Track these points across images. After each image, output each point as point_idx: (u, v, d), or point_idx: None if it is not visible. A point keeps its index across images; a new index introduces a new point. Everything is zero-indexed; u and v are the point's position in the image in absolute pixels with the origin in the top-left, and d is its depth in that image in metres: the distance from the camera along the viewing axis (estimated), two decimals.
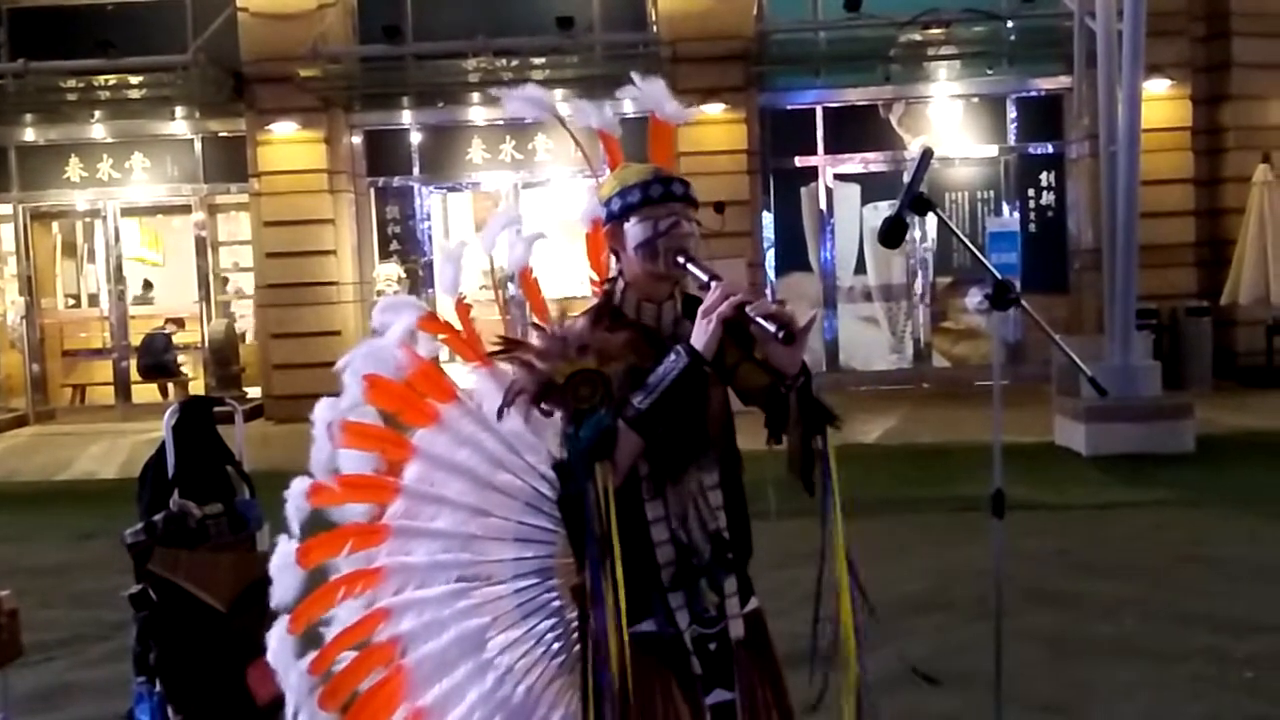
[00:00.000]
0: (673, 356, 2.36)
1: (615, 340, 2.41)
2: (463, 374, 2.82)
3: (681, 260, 2.44)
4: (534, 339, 2.48)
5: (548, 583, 2.74)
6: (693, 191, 2.53)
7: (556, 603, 2.74)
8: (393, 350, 2.69)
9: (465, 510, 2.72)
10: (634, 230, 2.48)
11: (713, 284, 2.39)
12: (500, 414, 2.54)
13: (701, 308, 2.38)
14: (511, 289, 3.20)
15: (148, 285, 16.85)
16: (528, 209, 14.40)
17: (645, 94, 2.91)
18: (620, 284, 2.55)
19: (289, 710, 2.62)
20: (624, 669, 2.35)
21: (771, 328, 2.32)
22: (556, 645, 2.71)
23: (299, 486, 2.60)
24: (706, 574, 2.46)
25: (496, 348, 2.55)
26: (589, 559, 2.40)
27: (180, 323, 15.71)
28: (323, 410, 2.64)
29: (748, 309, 2.33)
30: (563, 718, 2.68)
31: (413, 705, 2.65)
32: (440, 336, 2.78)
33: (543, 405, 2.43)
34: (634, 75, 2.93)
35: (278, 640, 2.61)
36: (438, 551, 2.71)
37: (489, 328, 2.77)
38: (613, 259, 2.61)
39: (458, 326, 2.83)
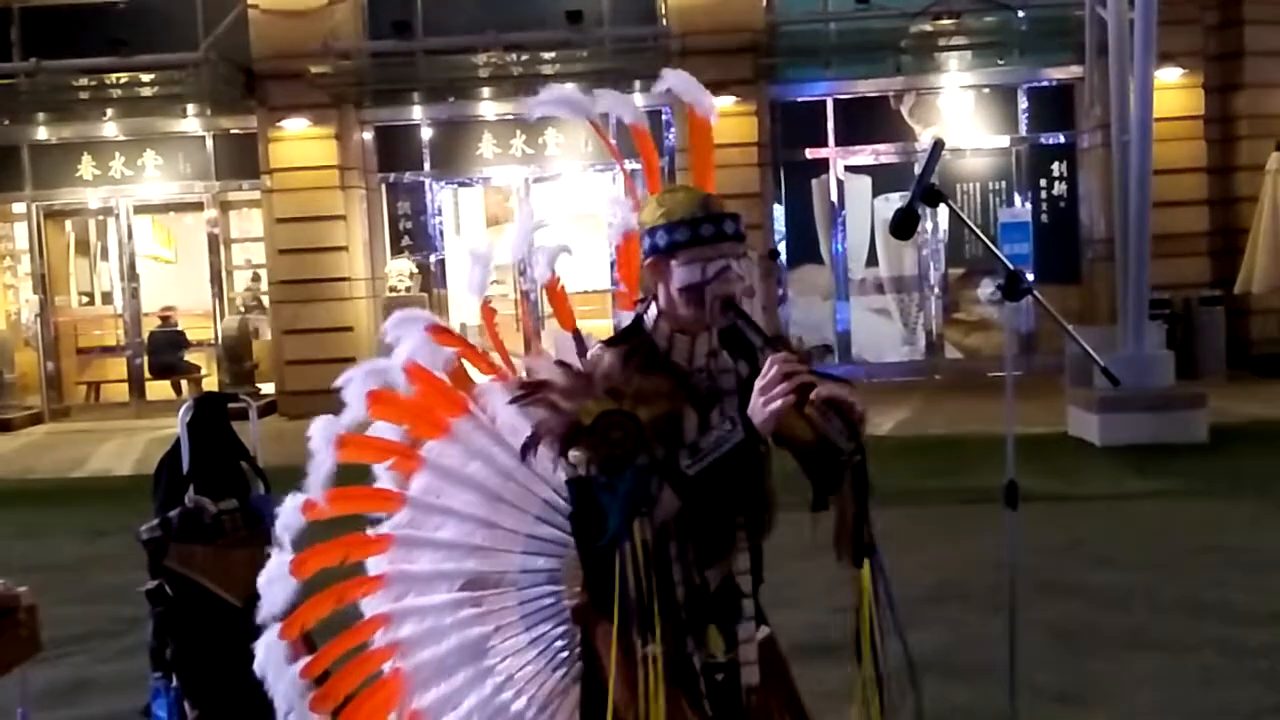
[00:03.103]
0: (728, 426, 2.25)
1: (648, 384, 2.28)
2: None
3: (731, 314, 2.31)
4: (557, 376, 2.34)
5: (556, 589, 2.69)
6: (743, 227, 2.39)
7: (563, 610, 2.68)
8: (398, 369, 2.61)
9: (472, 521, 2.68)
10: (680, 272, 2.32)
11: (767, 354, 2.27)
12: (524, 456, 2.42)
13: (759, 384, 2.24)
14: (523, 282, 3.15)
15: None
16: (539, 203, 14.40)
17: (679, 87, 2.74)
18: (653, 311, 2.40)
19: (279, 713, 2.57)
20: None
21: (838, 425, 2.22)
22: (561, 655, 2.66)
23: (294, 501, 2.52)
24: (715, 619, 2.39)
25: (519, 393, 2.42)
26: (619, 618, 2.30)
27: (166, 319, 15.75)
28: (320, 428, 2.55)
29: (811, 398, 2.20)
30: None
31: (408, 709, 2.63)
32: (453, 349, 2.70)
33: (572, 449, 2.30)
34: (665, 71, 2.78)
35: (267, 647, 2.56)
36: (441, 561, 2.68)
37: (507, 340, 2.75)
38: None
39: (467, 337, 2.77)
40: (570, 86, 2.89)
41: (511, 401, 2.49)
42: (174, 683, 4.15)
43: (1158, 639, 5.21)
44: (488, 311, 2.89)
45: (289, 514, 2.54)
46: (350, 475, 2.64)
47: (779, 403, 2.20)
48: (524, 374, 2.49)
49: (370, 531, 2.68)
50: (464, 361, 2.76)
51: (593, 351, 2.38)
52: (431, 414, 2.68)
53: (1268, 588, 5.85)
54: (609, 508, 2.25)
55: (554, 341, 2.60)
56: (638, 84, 12.41)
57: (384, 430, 2.71)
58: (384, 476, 2.73)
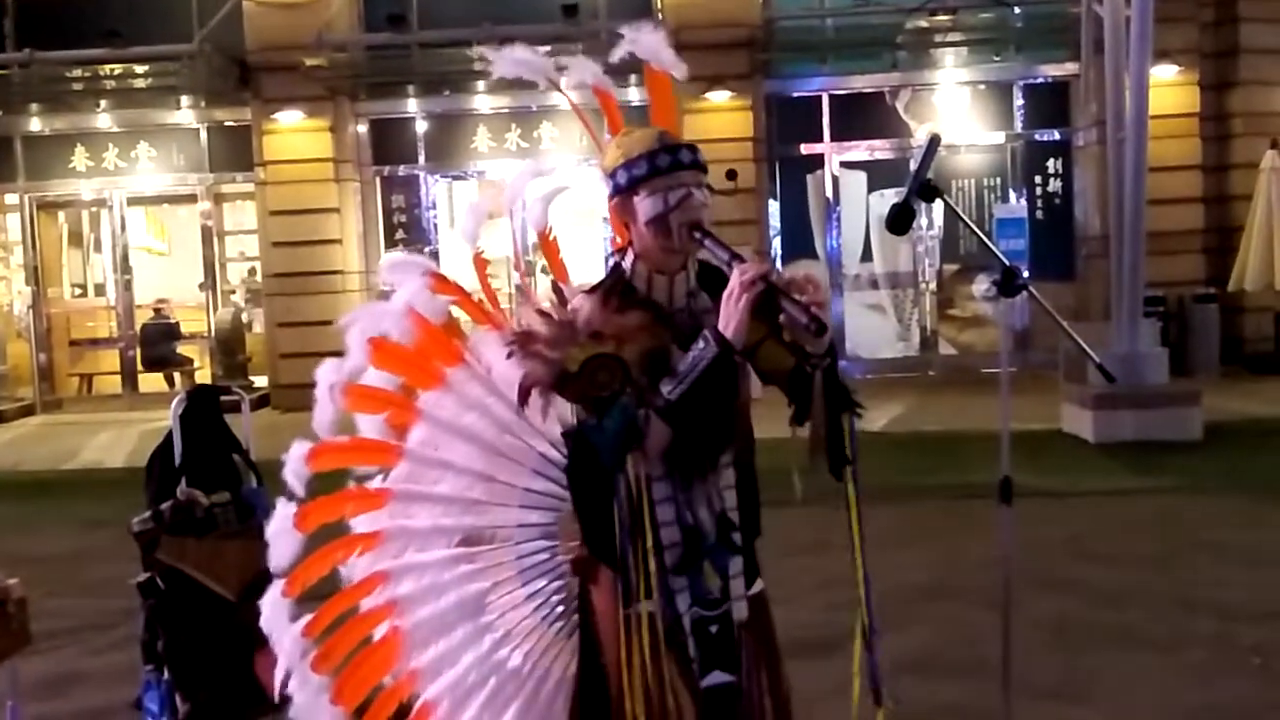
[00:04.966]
0: (701, 344, 2.28)
1: (628, 322, 2.33)
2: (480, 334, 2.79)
3: (698, 236, 2.36)
4: (541, 327, 2.38)
5: (552, 544, 2.72)
6: (702, 157, 2.42)
7: (560, 565, 2.71)
8: (398, 314, 2.66)
9: (470, 475, 2.70)
10: (643, 205, 2.37)
11: (734, 265, 2.31)
12: (521, 407, 2.46)
13: (726, 292, 2.28)
14: (517, 277, 3.15)
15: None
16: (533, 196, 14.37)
17: (639, 44, 2.76)
18: (630, 256, 2.46)
19: (280, 672, 2.59)
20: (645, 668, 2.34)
21: (803, 319, 2.23)
22: (558, 610, 2.70)
23: (299, 450, 2.57)
24: (710, 556, 2.42)
25: (509, 346, 2.46)
26: (620, 550, 2.36)
27: (159, 311, 15.73)
28: (326, 372, 2.62)
29: (780, 300, 2.24)
30: (558, 682, 2.67)
31: (407, 667, 2.65)
32: (450, 298, 2.73)
33: (561, 395, 2.36)
34: (625, 29, 2.77)
35: (272, 604, 2.58)
36: (440, 515, 2.70)
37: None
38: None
39: (467, 284, 2.78)
40: (548, 60, 2.86)
41: (509, 355, 2.51)
42: (165, 675, 4.14)
43: (1152, 635, 5.21)
44: (480, 261, 2.90)
45: (295, 463, 2.57)
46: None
47: (742, 304, 2.25)
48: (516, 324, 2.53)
49: (370, 485, 2.70)
50: (457, 311, 2.79)
51: (573, 301, 2.43)
52: (428, 364, 2.69)
53: (1262, 584, 5.86)
54: (601, 448, 2.32)
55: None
56: (633, 78, 12.37)
57: (381, 379, 2.71)
58: (382, 429, 2.74)
